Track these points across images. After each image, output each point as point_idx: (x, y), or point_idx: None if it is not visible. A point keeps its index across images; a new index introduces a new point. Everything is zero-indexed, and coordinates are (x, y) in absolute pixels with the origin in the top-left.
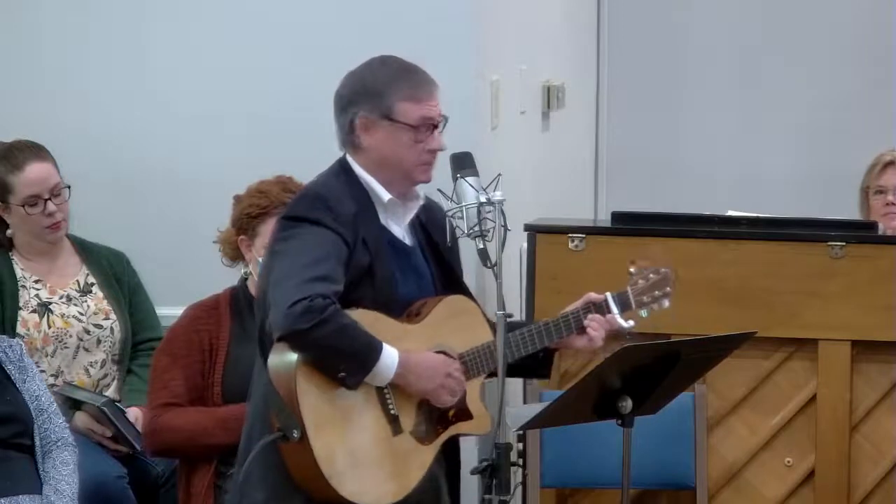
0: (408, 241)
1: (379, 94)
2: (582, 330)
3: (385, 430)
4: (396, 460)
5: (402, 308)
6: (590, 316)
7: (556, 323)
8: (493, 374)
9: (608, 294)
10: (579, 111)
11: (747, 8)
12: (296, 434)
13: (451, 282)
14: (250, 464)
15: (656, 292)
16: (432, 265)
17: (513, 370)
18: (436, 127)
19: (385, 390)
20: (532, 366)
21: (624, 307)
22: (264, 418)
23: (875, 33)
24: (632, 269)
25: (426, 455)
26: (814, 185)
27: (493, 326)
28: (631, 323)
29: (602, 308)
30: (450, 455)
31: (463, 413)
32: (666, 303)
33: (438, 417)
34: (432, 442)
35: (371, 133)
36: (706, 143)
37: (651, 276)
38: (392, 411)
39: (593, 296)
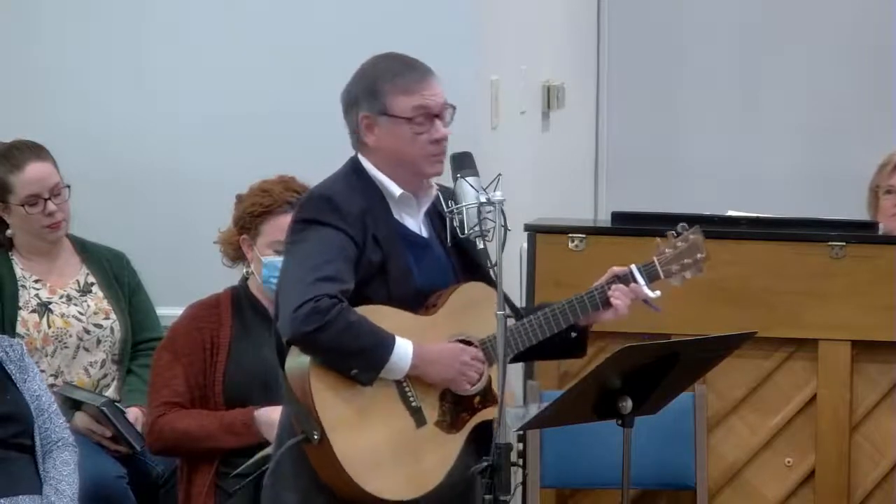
0: (424, 233)
1: (375, 91)
2: (607, 303)
3: (408, 422)
4: (421, 452)
5: (421, 301)
6: (613, 286)
7: (581, 300)
8: (516, 359)
9: (632, 266)
10: (579, 111)
11: (747, 8)
12: (316, 436)
13: (472, 269)
14: (278, 465)
15: (686, 260)
16: (451, 255)
17: (546, 352)
18: (437, 116)
19: (404, 383)
20: (565, 345)
21: (651, 278)
22: (290, 423)
23: (875, 33)
24: (658, 240)
25: (453, 444)
26: (814, 184)
27: (513, 309)
28: (658, 293)
29: (627, 280)
30: (482, 444)
31: (489, 398)
32: (700, 270)
33: (464, 405)
34: (459, 430)
35: (374, 131)
36: (706, 143)
37: (679, 243)
38: (414, 403)
39: (617, 269)
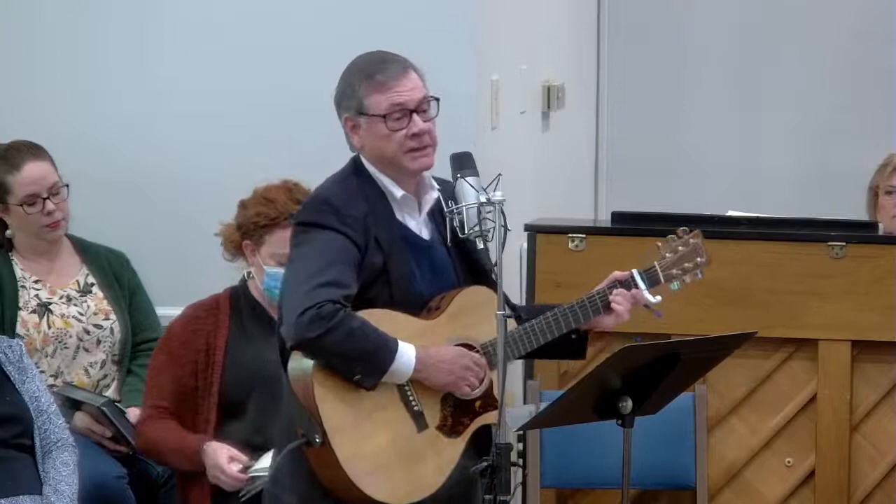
0: (425, 234)
1: (353, 93)
2: (609, 308)
3: (409, 426)
4: (423, 457)
5: (422, 303)
6: (615, 291)
7: (583, 304)
8: (518, 356)
9: (634, 271)
10: (579, 111)
11: (747, 8)
12: (318, 439)
13: (475, 271)
14: (278, 470)
15: (686, 264)
16: (454, 256)
17: (547, 352)
18: (413, 111)
19: (406, 387)
20: (566, 347)
21: (652, 282)
22: (291, 425)
23: (875, 33)
24: (658, 244)
25: (454, 449)
26: (814, 184)
27: (514, 310)
28: (658, 298)
29: (628, 285)
30: (482, 448)
31: (490, 402)
32: (699, 274)
33: (465, 409)
34: (460, 435)
35: (358, 132)
36: (706, 142)
37: (680, 248)
38: (415, 407)
39: (618, 274)
